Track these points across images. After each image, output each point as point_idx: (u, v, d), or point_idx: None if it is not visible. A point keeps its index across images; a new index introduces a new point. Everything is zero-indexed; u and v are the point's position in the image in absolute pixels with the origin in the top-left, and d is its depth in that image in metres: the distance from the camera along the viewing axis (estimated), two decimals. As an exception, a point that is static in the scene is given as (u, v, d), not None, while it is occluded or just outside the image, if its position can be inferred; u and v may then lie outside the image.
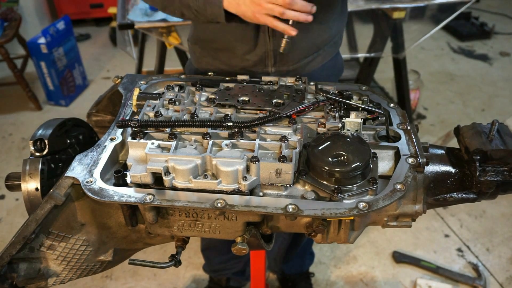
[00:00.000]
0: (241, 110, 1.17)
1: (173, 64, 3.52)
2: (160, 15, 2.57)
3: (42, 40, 3.63)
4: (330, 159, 0.99)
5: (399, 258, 2.57)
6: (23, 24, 3.91)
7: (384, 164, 1.08)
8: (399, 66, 3.15)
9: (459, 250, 2.66)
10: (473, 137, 1.08)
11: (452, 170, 1.11)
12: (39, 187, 1.06)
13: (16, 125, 3.74)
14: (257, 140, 1.05)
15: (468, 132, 1.10)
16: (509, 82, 4.24)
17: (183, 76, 1.35)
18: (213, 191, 0.98)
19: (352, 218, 0.98)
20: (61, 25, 3.80)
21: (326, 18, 1.44)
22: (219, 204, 0.94)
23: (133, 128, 1.07)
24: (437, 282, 2.45)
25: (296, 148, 1.03)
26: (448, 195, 1.11)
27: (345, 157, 0.99)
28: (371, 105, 1.17)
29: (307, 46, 1.47)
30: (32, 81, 4.06)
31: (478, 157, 1.04)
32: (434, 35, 4.08)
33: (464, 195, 1.10)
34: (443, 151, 1.15)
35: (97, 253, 1.13)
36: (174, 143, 1.03)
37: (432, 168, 1.10)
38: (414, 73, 3.67)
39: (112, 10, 4.10)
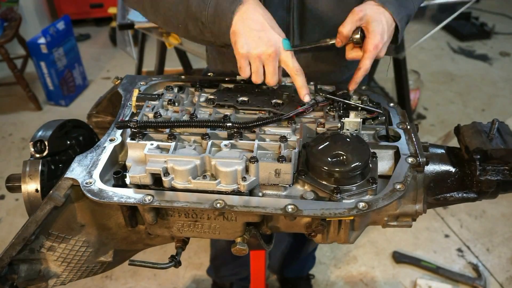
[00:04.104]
0: (240, 111, 1.17)
1: (173, 64, 3.52)
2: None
3: (42, 40, 3.63)
4: (329, 159, 0.99)
5: (399, 258, 2.57)
6: (23, 24, 3.90)
7: (384, 163, 1.08)
8: (399, 66, 3.15)
9: (459, 250, 2.66)
10: (474, 136, 1.07)
11: (453, 169, 1.10)
12: (39, 189, 1.06)
13: (16, 125, 3.74)
14: (256, 140, 1.04)
15: (468, 131, 1.10)
16: (509, 82, 4.24)
17: (182, 76, 1.35)
18: (212, 192, 0.98)
19: (351, 218, 0.97)
20: (61, 25, 3.80)
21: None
22: (218, 205, 0.94)
23: (132, 129, 1.07)
24: (437, 282, 2.44)
25: (295, 148, 1.03)
26: (448, 195, 1.11)
27: (344, 157, 0.99)
28: (370, 104, 1.16)
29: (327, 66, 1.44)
30: (32, 81, 4.06)
31: (479, 156, 1.04)
32: (434, 35, 4.07)
33: (464, 195, 1.10)
34: (443, 151, 1.15)
35: (97, 254, 1.13)
36: (173, 143, 1.03)
37: (432, 168, 1.10)
38: (414, 73, 3.67)
39: (112, 10, 4.09)
